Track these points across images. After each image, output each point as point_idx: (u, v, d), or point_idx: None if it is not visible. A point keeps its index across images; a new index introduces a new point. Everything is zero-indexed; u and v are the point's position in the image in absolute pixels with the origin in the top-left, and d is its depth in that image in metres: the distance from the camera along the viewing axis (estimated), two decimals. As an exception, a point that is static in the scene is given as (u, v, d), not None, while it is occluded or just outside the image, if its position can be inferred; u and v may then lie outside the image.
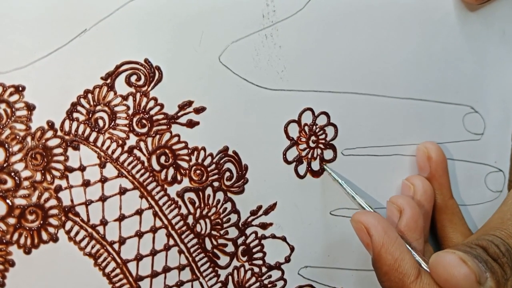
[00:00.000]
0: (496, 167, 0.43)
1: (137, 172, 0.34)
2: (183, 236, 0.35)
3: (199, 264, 0.36)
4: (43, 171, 0.32)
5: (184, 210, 0.35)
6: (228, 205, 0.36)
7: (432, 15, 0.39)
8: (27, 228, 0.32)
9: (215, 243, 0.36)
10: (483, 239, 0.31)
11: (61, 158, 0.32)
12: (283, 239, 0.38)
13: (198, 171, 0.35)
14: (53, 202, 0.32)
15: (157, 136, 0.34)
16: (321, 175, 0.38)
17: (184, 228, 0.35)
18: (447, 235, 0.39)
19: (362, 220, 0.33)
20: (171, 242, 0.35)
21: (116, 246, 0.34)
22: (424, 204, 0.37)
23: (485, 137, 0.42)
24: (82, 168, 0.33)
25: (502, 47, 0.42)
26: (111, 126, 0.33)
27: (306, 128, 0.37)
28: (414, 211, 0.35)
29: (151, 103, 0.34)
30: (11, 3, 0.31)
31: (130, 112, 0.33)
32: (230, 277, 0.36)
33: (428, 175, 0.39)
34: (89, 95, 0.33)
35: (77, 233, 0.33)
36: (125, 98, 0.33)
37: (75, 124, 0.33)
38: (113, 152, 0.33)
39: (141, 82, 0.34)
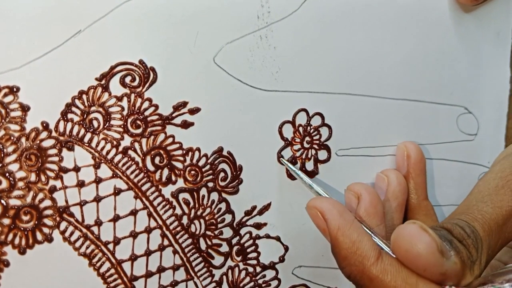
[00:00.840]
0: (489, 168, 0.43)
1: (132, 172, 0.34)
2: (177, 236, 0.35)
3: (193, 264, 0.36)
4: (37, 172, 0.32)
5: (178, 211, 0.35)
6: (223, 206, 0.36)
7: (427, 16, 0.40)
8: (22, 228, 0.32)
9: (209, 243, 0.36)
10: (448, 222, 0.31)
11: (56, 158, 0.33)
12: (277, 239, 0.38)
13: (192, 172, 0.35)
14: (47, 202, 0.32)
15: (152, 137, 0.34)
16: (315, 175, 0.38)
17: (178, 229, 0.35)
18: None
19: (317, 205, 0.32)
20: (166, 242, 0.35)
21: (110, 246, 0.34)
22: (398, 195, 0.37)
23: (479, 138, 0.43)
24: (76, 169, 0.33)
25: (496, 48, 0.42)
26: (105, 127, 0.33)
27: (301, 129, 0.37)
28: (372, 196, 0.34)
29: (146, 104, 0.34)
30: (5, 4, 0.31)
31: (125, 113, 0.33)
32: (224, 277, 0.37)
33: (405, 174, 0.39)
34: (84, 96, 0.33)
35: (71, 233, 0.33)
36: (119, 99, 0.33)
37: (69, 125, 0.33)
38: (107, 153, 0.33)
39: (135, 83, 0.34)
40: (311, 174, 0.38)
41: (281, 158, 0.37)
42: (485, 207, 0.31)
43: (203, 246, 0.36)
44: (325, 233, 0.32)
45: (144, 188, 0.34)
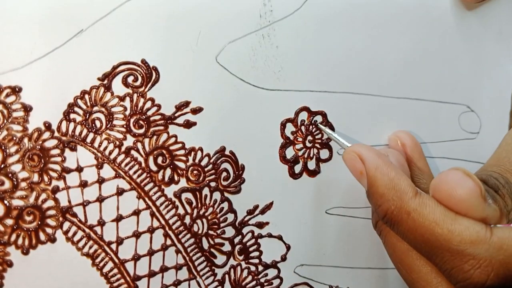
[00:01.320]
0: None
1: (134, 172, 0.34)
2: (180, 236, 0.35)
3: (196, 263, 0.36)
4: (40, 172, 0.32)
5: (181, 210, 0.35)
6: (225, 205, 0.36)
7: (428, 14, 0.39)
8: (25, 229, 0.32)
9: (212, 242, 0.36)
10: (481, 174, 0.31)
11: (58, 159, 0.33)
12: (279, 238, 0.38)
13: (195, 172, 0.35)
14: (50, 203, 0.32)
15: (154, 137, 0.34)
16: (317, 174, 0.38)
17: (181, 228, 0.35)
18: None
19: (355, 149, 0.32)
20: (169, 242, 0.35)
21: (113, 246, 0.34)
22: (413, 150, 0.38)
23: (481, 136, 0.43)
24: (79, 169, 0.33)
25: (498, 46, 0.42)
26: (108, 127, 0.33)
27: (303, 128, 0.37)
28: (397, 154, 0.35)
29: (148, 104, 0.34)
30: (6, 4, 0.31)
31: (127, 113, 0.33)
32: (227, 276, 0.37)
33: (407, 159, 0.38)
34: (86, 96, 0.33)
35: (74, 233, 0.33)
36: (122, 99, 0.33)
37: (72, 125, 0.33)
38: (110, 153, 0.33)
39: (138, 83, 0.33)
40: (313, 173, 0.38)
41: (318, 124, 0.38)
42: None
43: (205, 245, 0.36)
44: (362, 176, 0.32)
45: (147, 188, 0.34)
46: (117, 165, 0.33)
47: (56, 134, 0.32)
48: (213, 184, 0.36)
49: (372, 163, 0.31)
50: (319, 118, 0.38)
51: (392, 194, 0.30)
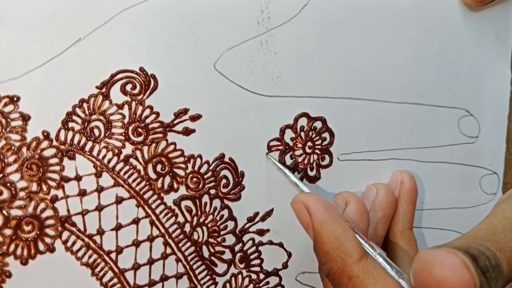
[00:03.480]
0: (491, 170, 0.43)
1: (134, 181, 0.34)
2: (180, 244, 0.35)
3: (196, 272, 0.36)
4: (39, 182, 0.32)
5: (181, 218, 0.35)
6: (225, 212, 0.36)
7: (427, 19, 0.39)
8: (24, 239, 0.32)
9: (212, 250, 0.36)
10: (473, 247, 0.27)
11: (57, 168, 0.32)
12: (280, 245, 0.38)
13: (194, 179, 0.35)
14: (49, 212, 0.32)
15: (153, 145, 0.34)
16: (317, 180, 0.38)
17: (181, 236, 0.35)
18: (398, 265, 0.36)
19: (302, 199, 0.31)
20: (169, 250, 0.35)
21: (113, 255, 0.34)
22: (384, 207, 0.36)
23: (480, 140, 0.43)
24: (78, 178, 0.33)
25: (497, 50, 0.42)
26: (106, 135, 0.33)
27: (302, 134, 0.37)
28: (359, 205, 0.33)
29: (147, 112, 0.34)
30: (4, 13, 0.31)
31: (126, 121, 0.33)
32: (228, 284, 0.36)
33: (396, 198, 0.38)
34: (84, 105, 0.33)
35: (74, 243, 0.33)
36: (120, 107, 0.33)
37: (70, 134, 0.32)
38: (109, 161, 0.33)
39: (136, 91, 0.33)
40: (313, 179, 0.38)
41: (268, 154, 0.37)
42: None
43: (206, 253, 0.36)
44: (308, 228, 0.31)
45: (146, 196, 0.34)
46: (116, 173, 0.33)
47: (54, 143, 0.32)
48: (212, 191, 0.36)
49: (319, 218, 0.30)
50: (318, 124, 0.37)
51: (336, 254, 0.29)
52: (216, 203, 0.36)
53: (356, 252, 0.29)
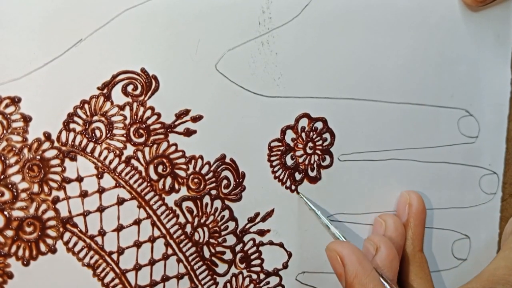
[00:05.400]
0: (490, 170, 0.43)
1: (135, 182, 0.34)
2: (181, 245, 0.35)
3: (197, 272, 0.36)
4: (40, 183, 0.32)
5: (182, 219, 0.35)
6: (226, 213, 0.36)
7: (427, 20, 0.40)
8: (25, 240, 0.32)
9: (213, 251, 0.36)
10: None
11: (58, 169, 0.32)
12: (281, 245, 0.38)
13: (195, 180, 0.35)
14: (51, 213, 0.32)
15: (155, 146, 0.34)
16: (318, 181, 0.38)
17: (182, 237, 0.35)
18: (409, 287, 0.38)
19: (337, 249, 0.32)
20: (170, 251, 0.35)
21: (114, 256, 0.34)
22: (395, 241, 0.37)
23: (480, 140, 0.43)
24: (79, 179, 0.33)
25: (496, 50, 0.42)
26: (108, 136, 0.33)
27: (303, 135, 0.37)
28: (390, 251, 0.34)
29: (148, 113, 0.34)
30: (5, 15, 0.31)
31: (127, 122, 0.33)
32: (228, 284, 0.37)
33: (404, 222, 0.38)
34: (86, 106, 0.33)
35: (75, 244, 0.33)
36: (122, 108, 0.33)
37: (72, 135, 0.32)
38: (110, 163, 0.33)
39: (138, 92, 0.33)
40: (314, 180, 0.38)
41: (300, 193, 0.37)
42: None
43: (207, 254, 0.36)
44: (341, 278, 0.32)
45: (147, 197, 0.34)
46: (117, 174, 0.33)
47: (56, 144, 0.32)
48: (213, 192, 0.36)
49: (352, 270, 0.31)
50: (319, 125, 0.38)
51: None
52: (217, 203, 0.36)
53: None
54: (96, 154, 0.33)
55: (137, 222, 0.34)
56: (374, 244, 0.35)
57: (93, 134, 0.33)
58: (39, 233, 0.32)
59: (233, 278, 0.37)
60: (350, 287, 0.31)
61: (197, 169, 0.35)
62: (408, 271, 0.37)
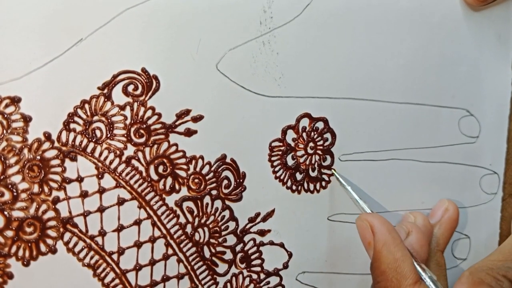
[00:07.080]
0: (491, 170, 0.43)
1: (135, 182, 0.34)
2: (181, 245, 0.35)
3: (197, 272, 0.36)
4: (40, 183, 0.32)
5: (182, 219, 0.35)
6: (226, 213, 0.36)
7: (428, 20, 0.39)
8: (25, 240, 0.32)
9: (213, 251, 0.36)
10: (510, 268, 0.31)
11: (59, 169, 0.32)
12: (281, 245, 0.38)
13: (196, 180, 0.35)
14: (51, 213, 0.32)
15: (155, 146, 0.34)
16: (319, 181, 0.38)
17: (182, 237, 0.35)
18: None
19: (368, 218, 0.33)
20: (170, 251, 0.35)
21: (115, 256, 0.34)
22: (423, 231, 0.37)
23: (480, 140, 0.43)
24: (79, 179, 0.33)
25: (497, 50, 0.42)
26: (108, 136, 0.33)
27: (304, 135, 0.37)
28: (421, 236, 0.35)
29: (149, 113, 0.34)
30: (5, 14, 0.31)
31: (128, 122, 0.33)
32: (228, 284, 0.37)
33: (436, 221, 0.39)
34: (86, 106, 0.32)
35: (75, 244, 0.33)
36: (122, 108, 0.33)
37: (72, 135, 0.32)
38: (110, 163, 0.33)
39: (138, 92, 0.33)
40: (315, 180, 0.38)
41: (334, 170, 0.38)
42: None
43: (207, 254, 0.36)
44: (369, 247, 0.33)
45: (148, 197, 0.34)
46: (117, 174, 0.33)
47: (56, 144, 0.32)
48: (214, 192, 0.35)
49: (381, 238, 0.32)
50: (320, 125, 0.37)
51: (392, 275, 0.31)
52: (218, 203, 0.36)
53: (412, 276, 0.30)
54: (96, 154, 0.33)
55: (138, 222, 0.34)
56: (407, 228, 0.36)
57: (94, 134, 0.33)
58: (39, 234, 0.32)
59: (233, 278, 0.37)
60: (378, 253, 0.32)
61: (197, 169, 0.35)
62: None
